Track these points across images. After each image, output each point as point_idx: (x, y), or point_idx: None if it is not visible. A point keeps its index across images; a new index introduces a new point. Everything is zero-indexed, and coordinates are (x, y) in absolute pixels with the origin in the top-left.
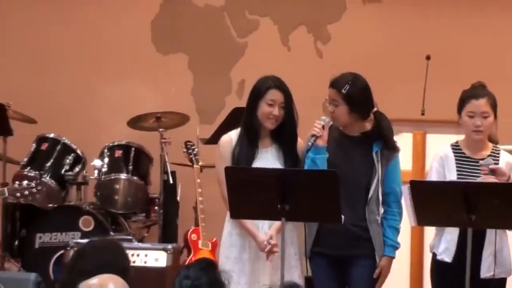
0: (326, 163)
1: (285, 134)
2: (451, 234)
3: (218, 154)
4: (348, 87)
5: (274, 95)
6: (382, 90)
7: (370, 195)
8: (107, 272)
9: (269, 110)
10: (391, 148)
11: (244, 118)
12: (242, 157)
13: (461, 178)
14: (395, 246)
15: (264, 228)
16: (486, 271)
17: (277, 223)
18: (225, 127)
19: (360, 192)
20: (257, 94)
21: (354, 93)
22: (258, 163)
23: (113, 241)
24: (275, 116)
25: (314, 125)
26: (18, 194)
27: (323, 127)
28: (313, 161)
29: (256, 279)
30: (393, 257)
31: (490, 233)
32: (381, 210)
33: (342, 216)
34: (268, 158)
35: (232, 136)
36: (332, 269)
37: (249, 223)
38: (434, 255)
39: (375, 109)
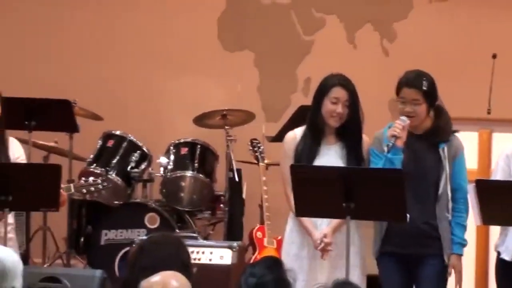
0: (401, 163)
1: (349, 132)
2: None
3: (283, 152)
4: (427, 84)
5: (338, 93)
6: (448, 88)
7: (440, 192)
8: (168, 267)
9: (333, 108)
10: (446, 140)
11: (309, 116)
12: (304, 153)
13: None
14: (463, 244)
15: (323, 227)
16: None
17: (334, 222)
18: (291, 125)
19: (429, 189)
20: (321, 91)
21: (431, 90)
22: (320, 160)
23: (173, 236)
24: (338, 114)
25: (395, 126)
26: (84, 191)
27: (403, 128)
28: (390, 161)
29: (313, 277)
30: (461, 255)
31: None
32: (450, 207)
33: (408, 215)
34: (331, 155)
35: (296, 133)
36: (400, 268)
37: (308, 221)
38: (498, 254)
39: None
